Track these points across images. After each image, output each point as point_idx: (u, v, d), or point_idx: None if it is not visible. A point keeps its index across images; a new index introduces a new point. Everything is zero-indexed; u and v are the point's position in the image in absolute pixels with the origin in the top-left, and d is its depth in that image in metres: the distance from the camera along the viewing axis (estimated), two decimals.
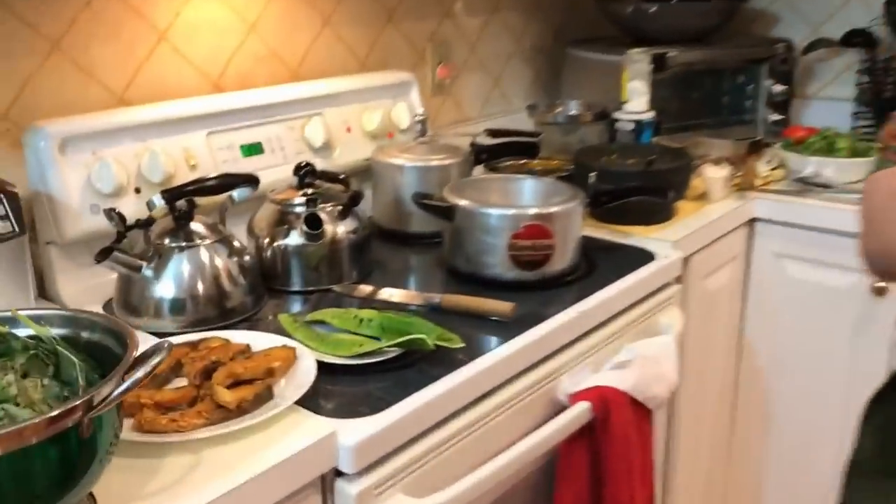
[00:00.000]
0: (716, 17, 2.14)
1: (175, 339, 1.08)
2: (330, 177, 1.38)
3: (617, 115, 1.89)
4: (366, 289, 1.30)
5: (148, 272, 1.17)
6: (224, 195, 1.27)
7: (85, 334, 0.81)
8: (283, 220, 1.32)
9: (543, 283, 1.31)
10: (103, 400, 0.67)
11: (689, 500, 1.81)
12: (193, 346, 1.05)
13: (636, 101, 1.86)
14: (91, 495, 0.79)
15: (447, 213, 1.33)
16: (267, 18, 1.58)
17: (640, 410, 1.26)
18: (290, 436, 0.90)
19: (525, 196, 1.43)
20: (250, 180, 1.27)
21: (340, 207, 1.32)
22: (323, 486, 0.94)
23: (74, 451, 0.67)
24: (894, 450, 0.95)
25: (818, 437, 1.81)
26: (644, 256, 1.43)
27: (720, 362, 1.82)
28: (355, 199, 1.33)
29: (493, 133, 1.66)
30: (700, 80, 2.17)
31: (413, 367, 1.06)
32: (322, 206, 1.31)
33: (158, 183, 1.31)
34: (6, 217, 1.09)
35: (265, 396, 0.94)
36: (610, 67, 2.10)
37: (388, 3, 1.81)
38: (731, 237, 1.73)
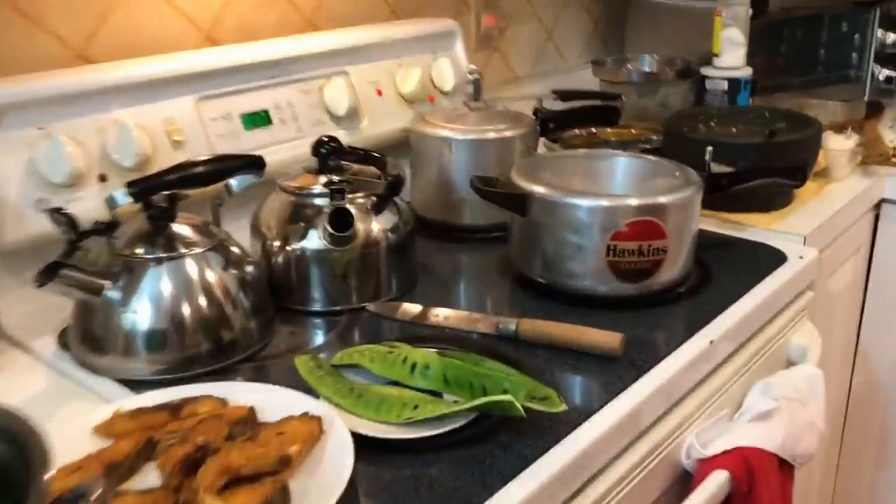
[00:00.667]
0: None
1: (147, 399, 0.75)
2: (361, 156, 1.03)
3: (706, 71, 1.53)
4: (411, 308, 0.96)
5: (113, 294, 0.84)
6: (218, 184, 0.93)
7: None
8: (299, 217, 0.98)
9: (649, 298, 0.98)
10: None
11: None
12: (174, 411, 0.72)
13: (731, 54, 1.51)
14: None
15: (518, 203, 0.99)
16: None
17: (785, 471, 0.93)
18: None
19: (620, 180, 1.09)
20: (253, 163, 0.93)
21: (376, 198, 0.99)
22: None
23: None
24: None
25: None
26: (771, 256, 1.09)
27: (833, 377, 1.48)
28: (395, 185, 0.99)
29: (563, 95, 1.31)
30: (793, 29, 1.80)
31: (491, 438, 0.73)
32: (352, 196, 0.97)
33: (131, 168, 0.98)
34: None
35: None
36: (687, 15, 1.74)
37: None
38: (858, 225, 1.38)
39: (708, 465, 0.86)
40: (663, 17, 1.79)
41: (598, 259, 0.95)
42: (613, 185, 1.08)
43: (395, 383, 0.78)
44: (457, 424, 0.72)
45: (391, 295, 1.00)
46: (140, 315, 0.84)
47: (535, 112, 1.26)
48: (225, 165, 0.92)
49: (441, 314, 0.95)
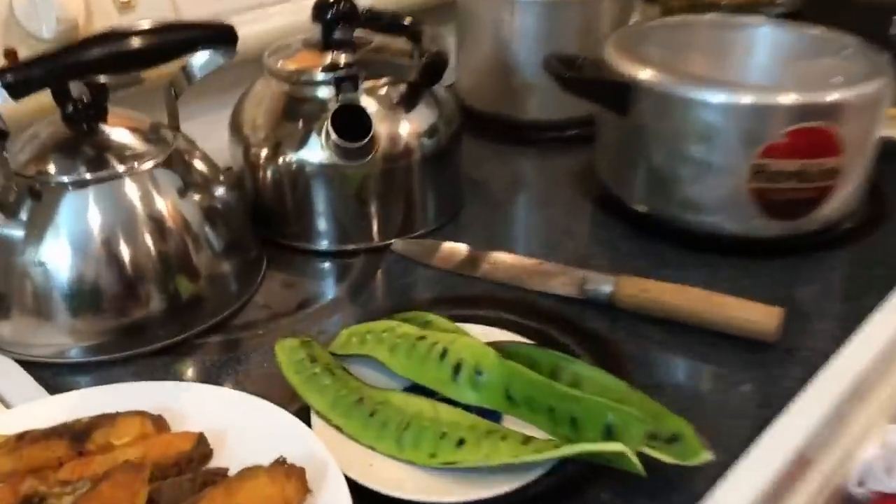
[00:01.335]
0: None
1: (41, 411, 0.48)
2: (384, 23, 0.72)
3: None
4: (455, 250, 0.67)
5: (9, 233, 0.56)
6: (173, 65, 0.62)
7: None
8: (295, 114, 0.68)
9: (806, 241, 0.67)
10: None
11: None
12: (76, 439, 0.45)
13: None
14: None
15: (617, 96, 0.67)
16: None
17: None
18: None
19: (762, 62, 0.75)
20: (219, 35, 0.62)
21: (405, 87, 0.67)
22: None
23: None
24: None
25: None
26: None
27: None
28: (434, 68, 0.67)
29: None
30: None
31: (582, 498, 0.45)
32: (370, 85, 0.66)
33: (51, 39, 0.68)
34: None
35: None
36: None
37: None
38: None
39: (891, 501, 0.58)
40: None
41: (737, 184, 0.63)
42: (753, 69, 0.75)
43: (426, 391, 0.50)
44: (528, 478, 0.44)
45: (427, 227, 0.71)
46: (53, 265, 0.56)
47: None
48: (177, 37, 0.60)
49: (498, 262, 0.65)
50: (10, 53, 0.67)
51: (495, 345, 0.51)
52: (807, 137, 0.61)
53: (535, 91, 0.85)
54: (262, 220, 0.70)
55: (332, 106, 0.64)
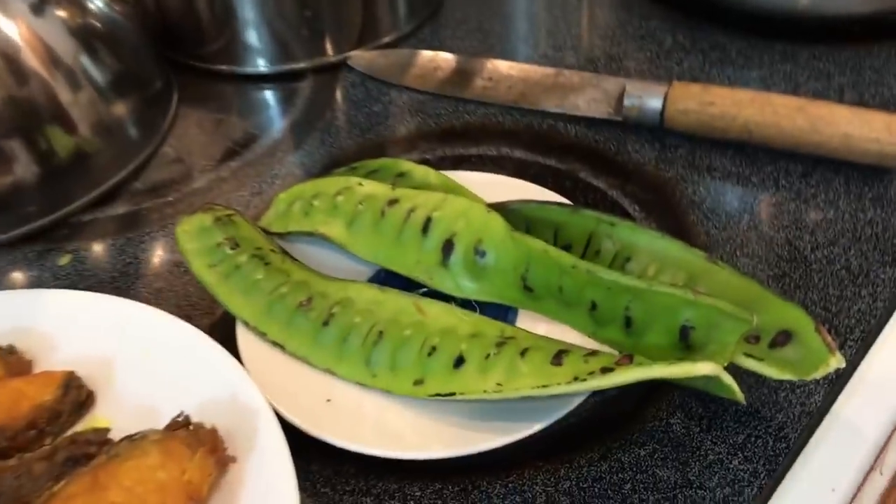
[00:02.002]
0: None
1: None
2: None
3: None
4: (439, 61, 0.49)
5: None
6: None
7: None
8: None
9: None
10: None
11: None
12: None
13: None
14: None
15: None
16: None
17: None
18: None
19: None
20: None
21: None
22: None
23: None
24: None
25: None
26: None
27: None
28: None
29: None
30: None
31: (638, 425, 0.30)
32: None
33: None
34: None
35: None
36: None
37: None
38: None
39: None
40: None
41: None
42: None
43: (407, 282, 0.34)
44: (561, 411, 0.29)
45: (396, 32, 0.52)
46: None
47: None
48: None
49: (497, 75, 0.47)
50: None
51: (502, 206, 0.34)
52: None
53: None
54: (170, 36, 0.51)
55: None
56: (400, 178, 0.37)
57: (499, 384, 0.28)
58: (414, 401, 0.30)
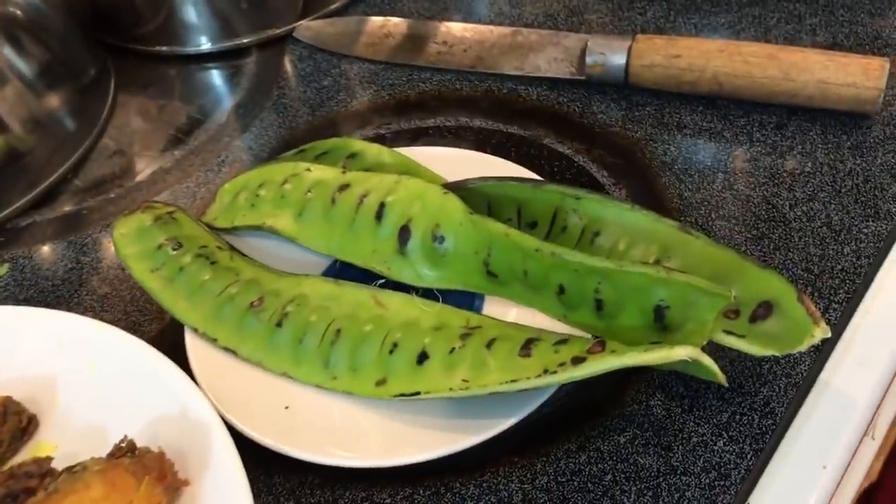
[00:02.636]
0: None
1: None
2: None
3: None
4: (390, 27, 0.46)
5: None
6: None
7: None
8: None
9: None
10: None
11: None
12: None
13: None
14: None
15: None
16: None
17: None
18: None
19: None
20: None
21: None
22: None
23: None
24: None
25: None
26: None
27: None
28: None
29: None
30: None
31: (619, 408, 0.29)
32: None
33: None
34: None
35: None
36: None
37: None
38: None
39: None
40: None
41: None
42: None
43: (364, 274, 0.31)
44: (533, 405, 0.27)
45: None
46: None
47: None
48: None
49: (452, 38, 0.44)
50: None
51: (461, 185, 0.32)
52: None
53: None
54: (102, 19, 0.47)
55: None
56: (352, 160, 0.35)
57: (465, 380, 0.27)
58: (378, 402, 0.28)
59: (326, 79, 0.44)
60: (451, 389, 0.27)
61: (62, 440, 0.29)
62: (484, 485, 0.27)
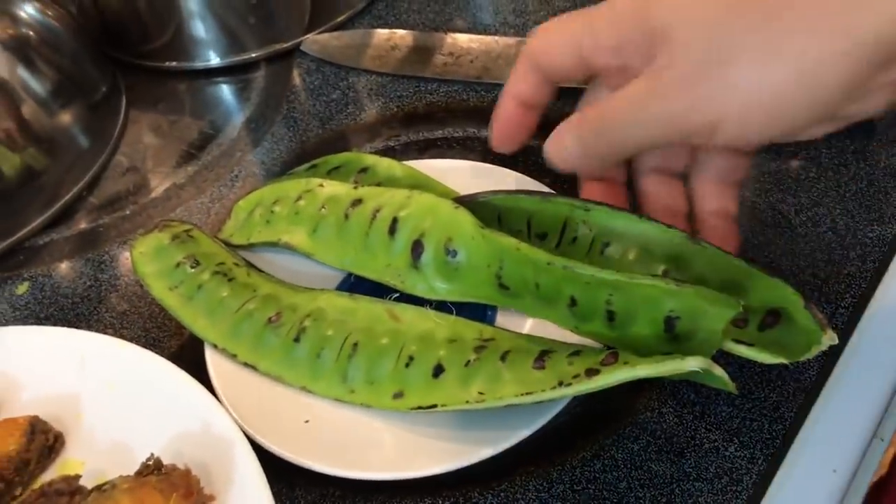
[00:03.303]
0: None
1: None
2: None
3: None
4: (396, 39, 0.46)
5: None
6: None
7: None
8: None
9: None
10: None
11: None
12: None
13: None
14: None
15: None
16: None
17: None
18: None
19: None
20: None
21: None
22: None
23: None
24: None
25: None
26: None
27: None
28: None
29: None
30: None
31: (629, 419, 0.29)
32: None
33: None
34: None
35: None
36: None
37: None
38: None
39: None
40: None
41: None
42: None
43: (378, 287, 0.32)
44: (548, 415, 0.28)
45: (349, 9, 0.50)
46: None
47: None
48: None
49: (458, 49, 0.45)
50: None
51: (471, 199, 0.32)
52: None
53: None
54: (112, 36, 0.48)
55: None
56: (363, 174, 0.36)
57: (481, 393, 0.27)
58: (395, 415, 0.29)
59: (335, 92, 0.45)
60: (467, 402, 0.27)
61: (88, 457, 0.30)
62: (501, 494, 0.28)
